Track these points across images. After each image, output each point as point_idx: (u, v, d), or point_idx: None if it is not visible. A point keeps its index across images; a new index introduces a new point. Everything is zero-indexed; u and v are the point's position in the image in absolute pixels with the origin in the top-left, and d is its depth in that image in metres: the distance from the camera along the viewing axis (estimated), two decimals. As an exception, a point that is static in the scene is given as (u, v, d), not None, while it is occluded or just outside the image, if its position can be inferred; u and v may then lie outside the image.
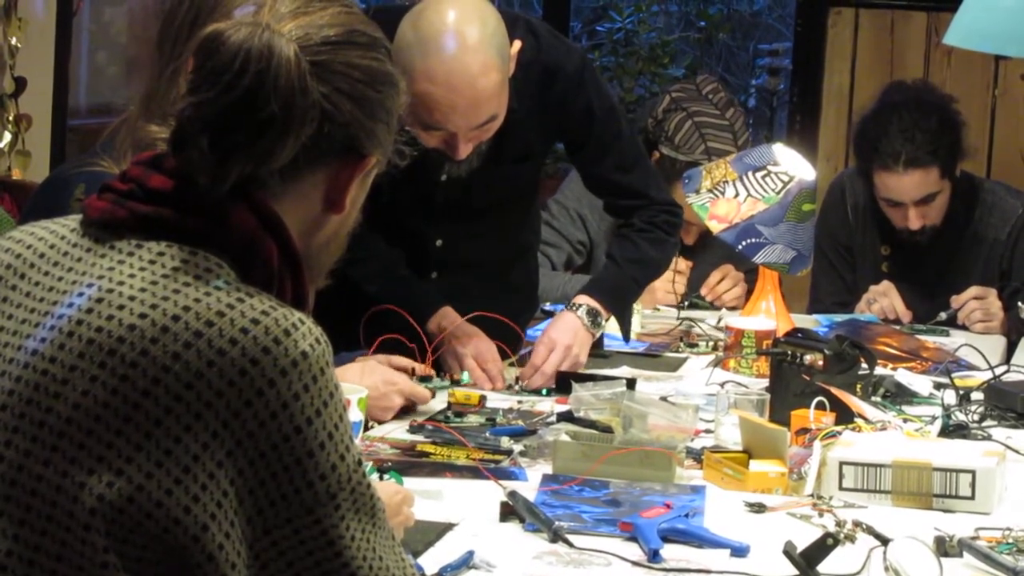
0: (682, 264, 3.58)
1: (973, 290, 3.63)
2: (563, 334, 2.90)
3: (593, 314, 2.96)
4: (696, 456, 2.35)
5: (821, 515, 2.12)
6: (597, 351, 3.11)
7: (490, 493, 2.13)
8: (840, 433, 2.33)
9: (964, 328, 3.61)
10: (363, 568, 1.39)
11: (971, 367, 3.10)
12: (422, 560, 1.87)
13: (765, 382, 2.74)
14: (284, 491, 1.36)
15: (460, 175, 2.88)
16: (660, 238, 3.06)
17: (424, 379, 2.66)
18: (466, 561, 1.86)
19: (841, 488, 2.20)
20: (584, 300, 2.98)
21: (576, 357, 2.90)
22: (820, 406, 2.43)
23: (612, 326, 3.25)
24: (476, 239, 3.00)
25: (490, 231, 3.02)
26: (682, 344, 3.27)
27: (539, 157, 3.06)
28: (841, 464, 2.20)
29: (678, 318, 3.57)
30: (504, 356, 2.89)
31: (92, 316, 1.38)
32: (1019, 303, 3.30)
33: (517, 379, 2.83)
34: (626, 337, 3.16)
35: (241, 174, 1.41)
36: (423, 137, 2.68)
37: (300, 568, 1.38)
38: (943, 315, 3.59)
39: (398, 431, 2.49)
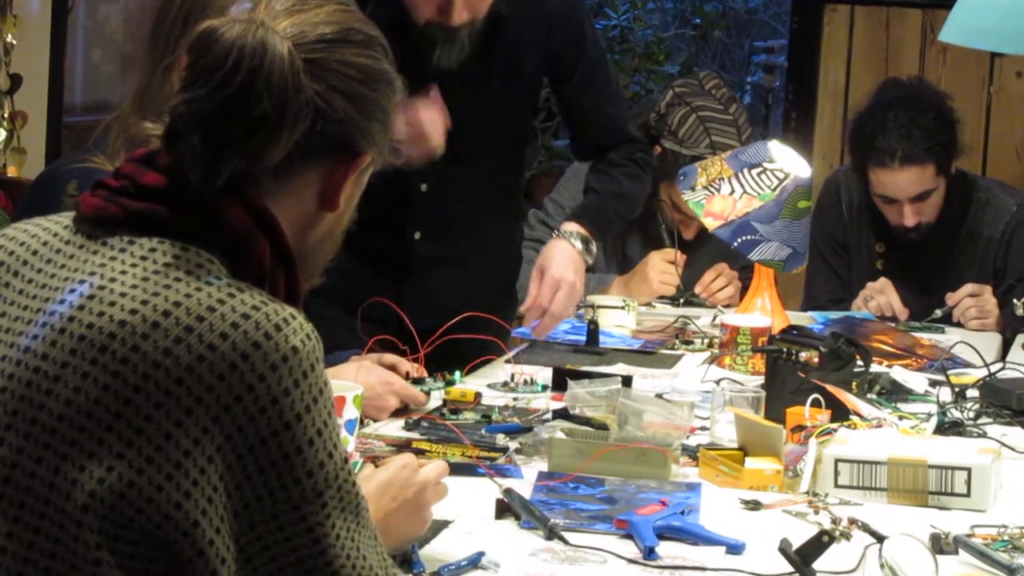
0: (679, 257, 3.58)
1: (968, 287, 3.63)
2: (563, 269, 2.89)
3: (585, 240, 2.96)
4: (692, 453, 2.34)
5: (817, 512, 2.12)
6: (592, 348, 3.11)
7: (486, 490, 2.13)
8: (836, 430, 2.33)
9: (959, 325, 3.61)
10: (346, 567, 1.39)
11: (966, 364, 3.10)
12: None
13: (760, 379, 2.73)
14: (271, 486, 1.36)
15: (451, 66, 2.86)
16: (636, 173, 3.10)
17: (417, 380, 2.66)
18: (475, 561, 1.86)
19: (837, 485, 2.20)
20: (574, 227, 2.97)
21: (578, 291, 2.89)
22: (816, 403, 2.43)
23: (608, 323, 3.25)
24: (455, 230, 2.99)
25: (470, 221, 3.01)
26: (677, 341, 3.27)
27: (526, 89, 3.04)
28: (837, 461, 2.20)
29: (678, 302, 3.58)
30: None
31: (84, 313, 1.38)
32: (1014, 300, 3.30)
33: (512, 376, 2.82)
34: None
35: (234, 171, 1.41)
36: (419, 5, 2.69)
37: (284, 563, 1.38)
38: (938, 312, 3.59)
39: (393, 428, 2.49)
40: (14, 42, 4.83)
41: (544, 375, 2.81)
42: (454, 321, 2.83)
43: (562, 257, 2.92)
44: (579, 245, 2.95)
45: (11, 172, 4.83)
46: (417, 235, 3.00)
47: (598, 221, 3.04)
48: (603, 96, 3.06)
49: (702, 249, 3.73)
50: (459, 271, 3.05)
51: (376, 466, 1.89)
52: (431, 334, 2.70)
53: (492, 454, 2.34)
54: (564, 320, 3.02)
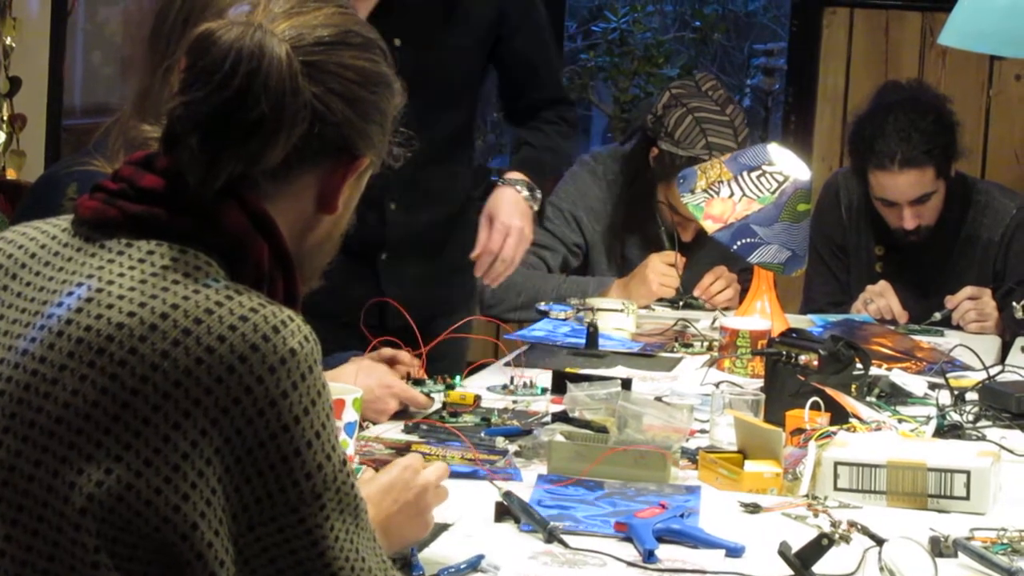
0: (679, 259, 3.58)
1: (968, 290, 3.63)
2: (511, 215, 3.01)
3: (530, 188, 3.09)
4: (691, 456, 2.34)
5: (816, 515, 2.11)
6: (592, 351, 3.11)
7: (485, 493, 2.13)
8: (835, 433, 2.33)
9: (959, 328, 3.61)
10: (344, 569, 1.39)
11: (966, 367, 3.10)
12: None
13: (760, 382, 2.73)
14: (270, 489, 1.36)
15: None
16: (568, 132, 3.26)
17: (417, 382, 2.66)
18: (474, 564, 1.86)
19: (836, 488, 2.20)
20: (518, 176, 3.10)
21: (526, 237, 3.02)
22: (815, 406, 2.43)
23: (608, 325, 3.25)
24: (424, 199, 3.04)
25: (434, 190, 3.07)
26: (677, 344, 3.27)
27: (479, 41, 3.14)
28: (836, 464, 2.20)
29: (677, 305, 3.58)
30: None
31: (82, 315, 1.38)
32: (1013, 303, 3.30)
33: (512, 379, 2.82)
34: None
35: (232, 174, 1.41)
36: None
37: (283, 565, 1.38)
38: (938, 315, 3.59)
39: (393, 431, 2.49)
40: (13, 45, 4.83)
41: (543, 378, 2.81)
42: (458, 324, 2.84)
43: (510, 204, 3.04)
44: (525, 192, 3.08)
45: (10, 175, 4.83)
46: (392, 206, 3.04)
47: (537, 171, 3.18)
48: (548, 51, 3.24)
49: (701, 252, 3.72)
50: (430, 251, 3.14)
51: (376, 470, 1.89)
52: (409, 326, 2.74)
53: (492, 457, 2.34)
54: (513, 266, 3.13)
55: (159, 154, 1.44)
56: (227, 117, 1.39)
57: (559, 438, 2.32)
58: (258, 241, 1.43)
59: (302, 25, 1.44)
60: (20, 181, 4.75)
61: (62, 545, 1.35)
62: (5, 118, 4.83)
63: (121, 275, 1.40)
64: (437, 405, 2.63)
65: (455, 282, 3.18)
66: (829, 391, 2.48)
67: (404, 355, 2.65)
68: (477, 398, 2.64)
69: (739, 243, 3.26)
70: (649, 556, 1.91)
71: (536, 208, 3.12)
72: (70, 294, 1.40)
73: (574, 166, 3.79)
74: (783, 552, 1.87)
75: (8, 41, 4.81)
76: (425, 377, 2.71)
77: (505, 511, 2.05)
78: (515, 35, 3.15)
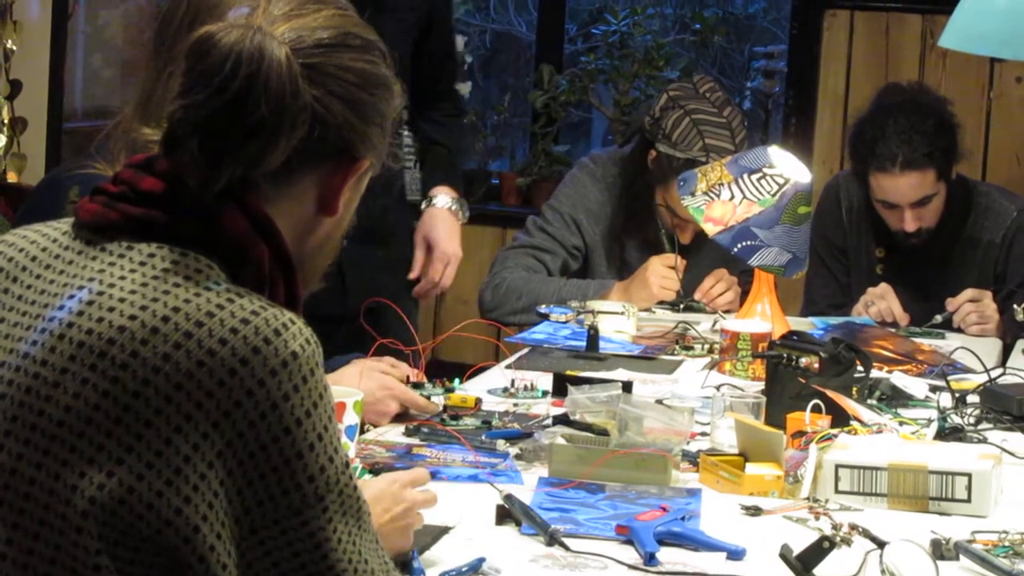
0: (679, 262, 3.58)
1: (969, 292, 3.63)
2: (449, 240, 3.32)
3: (459, 202, 3.38)
4: (692, 459, 2.34)
5: (817, 518, 2.11)
6: (593, 353, 3.11)
7: (486, 496, 2.13)
8: (836, 436, 2.33)
9: (960, 331, 3.61)
10: (348, 571, 1.39)
11: (967, 370, 3.10)
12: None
13: (761, 385, 2.73)
14: (272, 492, 1.36)
15: None
16: (464, 125, 3.65)
17: (417, 385, 2.66)
18: (475, 567, 1.86)
19: (837, 491, 2.19)
20: (448, 192, 3.40)
21: (459, 257, 3.35)
22: (816, 409, 2.43)
23: (608, 328, 3.25)
24: (374, 189, 3.16)
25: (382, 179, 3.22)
26: (678, 347, 3.27)
27: (410, 30, 3.38)
28: (837, 467, 2.20)
29: (678, 307, 3.59)
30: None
31: (83, 319, 1.37)
32: (1014, 306, 3.30)
33: (513, 382, 2.82)
34: None
35: (232, 177, 1.41)
36: None
37: (286, 568, 1.38)
38: (939, 318, 3.59)
39: (394, 434, 2.49)
40: (14, 48, 4.83)
41: (544, 381, 2.81)
42: (460, 325, 2.84)
43: (446, 228, 3.34)
44: (455, 207, 3.38)
45: (11, 178, 4.83)
46: None
47: (459, 179, 3.48)
48: (452, 49, 3.60)
49: (701, 254, 3.72)
50: (381, 236, 3.31)
51: (376, 474, 1.89)
52: (368, 309, 2.86)
53: (492, 460, 2.33)
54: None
55: (159, 157, 1.44)
56: (227, 120, 1.39)
57: (560, 441, 2.32)
58: (259, 244, 1.43)
59: (302, 27, 1.44)
60: (21, 184, 4.75)
61: (64, 548, 1.35)
62: (6, 121, 4.83)
63: (122, 278, 1.39)
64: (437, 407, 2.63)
65: (400, 269, 3.40)
66: (830, 394, 2.48)
67: (403, 365, 2.65)
68: (478, 401, 2.64)
69: (740, 246, 3.26)
70: (650, 559, 1.91)
71: (465, 221, 3.43)
72: (71, 297, 1.40)
73: (573, 169, 3.80)
74: (784, 555, 1.87)
75: (9, 44, 4.81)
76: (424, 380, 2.70)
77: (506, 514, 2.05)
78: (440, 26, 3.47)
